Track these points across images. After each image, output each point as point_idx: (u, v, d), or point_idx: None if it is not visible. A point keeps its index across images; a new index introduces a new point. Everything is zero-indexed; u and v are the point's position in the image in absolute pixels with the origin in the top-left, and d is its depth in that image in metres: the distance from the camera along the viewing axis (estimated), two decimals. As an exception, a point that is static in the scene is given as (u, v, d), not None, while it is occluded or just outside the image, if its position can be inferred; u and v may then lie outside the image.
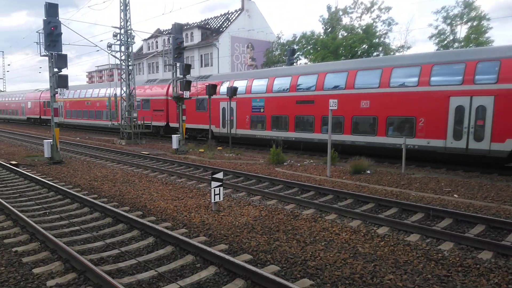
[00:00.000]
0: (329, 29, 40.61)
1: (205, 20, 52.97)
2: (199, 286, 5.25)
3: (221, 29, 47.10)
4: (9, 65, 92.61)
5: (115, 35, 25.04)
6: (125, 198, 10.24)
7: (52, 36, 15.42)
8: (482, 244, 6.63)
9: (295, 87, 19.76)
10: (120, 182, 12.40)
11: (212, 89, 20.71)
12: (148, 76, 53.09)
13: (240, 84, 22.39)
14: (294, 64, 33.81)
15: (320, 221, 8.15)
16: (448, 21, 35.52)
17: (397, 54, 37.15)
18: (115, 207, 8.92)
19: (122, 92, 26.20)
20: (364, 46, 38.25)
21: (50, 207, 9.27)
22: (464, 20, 34.81)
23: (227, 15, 49.52)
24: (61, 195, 10.34)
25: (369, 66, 17.70)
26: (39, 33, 15.88)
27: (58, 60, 15.45)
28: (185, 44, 23.94)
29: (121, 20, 25.17)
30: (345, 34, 39.20)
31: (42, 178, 12.39)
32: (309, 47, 41.53)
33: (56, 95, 16.31)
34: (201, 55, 46.99)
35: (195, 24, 51.46)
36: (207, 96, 21.10)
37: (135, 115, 26.15)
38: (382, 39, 39.05)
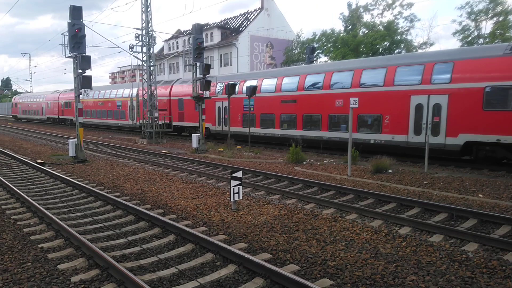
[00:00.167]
0: (350, 27, 40.19)
1: (224, 20, 53.22)
2: (219, 284, 5.29)
3: (240, 29, 47.22)
4: (35, 67, 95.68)
5: (136, 36, 25.45)
6: (147, 196, 10.40)
7: (76, 38, 15.79)
8: (508, 246, 6.43)
9: (280, 87, 21.14)
10: (142, 180, 12.60)
11: (231, 88, 20.96)
12: (169, 77, 53.73)
13: (249, 85, 23.08)
14: (314, 62, 33.60)
15: (341, 220, 8.08)
16: (473, 16, 34.61)
17: (419, 51, 36.44)
18: (137, 205, 9.06)
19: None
20: (385, 43, 37.68)
21: (75, 205, 9.51)
22: (490, 15, 33.85)
23: (246, 15, 49.60)
24: (85, 193, 10.59)
25: (343, 68, 19.03)
26: (64, 35, 16.31)
27: (82, 62, 15.80)
28: (205, 44, 24.10)
29: (143, 22, 25.56)
30: (366, 31, 38.71)
31: (67, 176, 12.70)
32: (329, 45, 41.18)
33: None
34: (221, 55, 47.23)
35: (215, 24, 51.75)
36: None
37: (156, 114, 26.52)
38: (404, 36, 38.38)
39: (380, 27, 37.80)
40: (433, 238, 6.97)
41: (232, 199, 8.92)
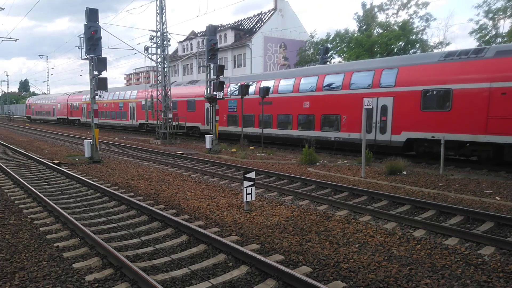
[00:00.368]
0: (364, 27, 39.85)
1: (238, 21, 53.36)
2: (231, 285, 5.29)
3: (254, 30, 47.27)
4: (52, 68, 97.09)
5: (151, 38, 25.70)
6: (160, 196, 10.48)
7: (92, 40, 16.02)
8: (526, 250, 6.31)
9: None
10: (156, 181, 12.70)
11: (245, 89, 21.05)
12: (183, 78, 54.11)
13: (233, 88, 25.44)
14: (328, 62, 33.45)
15: (354, 222, 8.02)
16: (490, 15, 33.95)
17: (435, 50, 35.93)
18: (151, 205, 9.14)
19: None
20: (400, 43, 37.26)
21: (90, 205, 9.64)
22: (508, 14, 33.15)
23: (260, 16, 49.64)
24: (100, 193, 10.73)
25: (310, 73, 21.15)
26: (80, 37, 16.54)
27: (98, 63, 16.02)
28: (218, 45, 24.23)
29: (157, 24, 25.80)
30: (381, 31, 38.33)
31: (82, 176, 12.90)
32: (343, 46, 40.91)
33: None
34: (234, 56, 47.36)
35: (229, 25, 51.92)
36: (194, 99, 27.02)
37: (170, 115, 26.73)
38: (419, 35, 37.88)
39: (395, 27, 37.38)
40: (448, 241, 6.86)
41: (244, 200, 8.92)
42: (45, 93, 70.84)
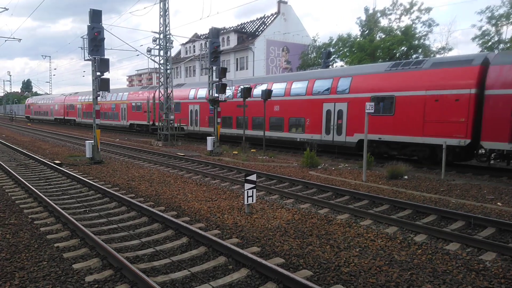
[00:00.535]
0: (367, 31, 39.85)
1: (241, 24, 53.48)
2: (231, 288, 5.28)
3: (257, 33, 47.36)
4: (55, 69, 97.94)
5: (154, 40, 25.77)
6: (161, 198, 10.48)
7: (95, 41, 16.06)
8: (528, 256, 6.30)
9: (236, 94, 24.80)
10: (156, 182, 12.70)
11: (247, 92, 21.11)
12: (186, 80, 54.19)
13: (202, 92, 28.03)
14: (330, 66, 33.47)
15: (355, 226, 7.99)
16: (493, 21, 33.91)
17: (437, 56, 35.94)
18: (151, 207, 9.14)
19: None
20: (403, 48, 37.24)
21: (90, 205, 9.63)
22: (511, 20, 33.12)
23: (263, 19, 49.76)
24: (101, 194, 10.72)
25: (280, 80, 23.39)
26: (84, 38, 16.59)
27: (101, 64, 16.06)
28: (221, 48, 24.31)
29: (161, 25, 25.88)
30: (383, 36, 38.33)
31: (83, 177, 12.90)
32: (345, 50, 40.91)
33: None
34: (237, 59, 47.43)
35: (232, 28, 52.03)
36: (180, 101, 28.94)
37: (172, 117, 26.76)
38: (422, 41, 37.86)
39: (398, 32, 37.37)
40: (450, 246, 6.83)
41: (245, 203, 8.91)
42: (48, 93, 71.11)
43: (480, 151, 15.01)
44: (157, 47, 25.98)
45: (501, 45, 33.45)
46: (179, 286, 5.31)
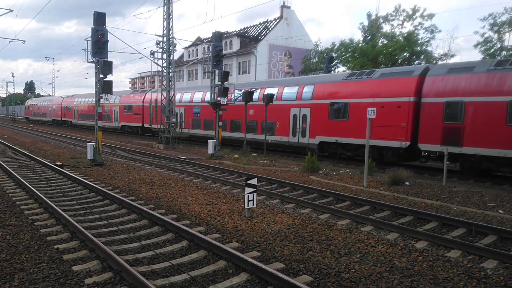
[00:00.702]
0: (369, 37, 39.90)
1: (244, 28, 53.64)
2: (231, 292, 5.25)
3: (259, 37, 47.48)
4: (58, 71, 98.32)
5: (157, 43, 25.82)
6: (161, 201, 10.47)
7: (99, 44, 16.11)
8: (529, 264, 6.29)
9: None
10: (157, 185, 12.69)
11: (249, 96, 21.14)
12: (188, 83, 54.31)
13: (186, 96, 30.64)
14: (332, 71, 33.52)
15: (356, 232, 7.97)
16: (496, 28, 33.94)
17: (440, 62, 35.96)
18: (152, 210, 9.12)
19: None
20: (405, 54, 37.28)
21: (91, 207, 9.63)
22: (514, 28, 33.12)
23: (266, 24, 49.90)
24: (101, 196, 10.72)
25: (255, 87, 25.12)
26: (87, 40, 16.64)
27: (104, 67, 16.10)
28: (224, 52, 24.37)
29: (164, 29, 25.95)
30: (385, 41, 38.38)
31: (84, 179, 12.90)
32: (347, 55, 40.96)
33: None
34: (239, 63, 47.53)
35: (235, 32, 52.18)
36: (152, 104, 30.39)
37: (174, 120, 26.79)
38: (424, 47, 37.89)
39: (400, 38, 37.41)
40: (451, 254, 6.80)
41: (246, 207, 8.89)
42: (50, 95, 71.43)
43: (423, 152, 16.66)
44: (160, 50, 26.04)
45: (504, 52, 33.46)
46: (179, 289, 5.29)
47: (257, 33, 49.27)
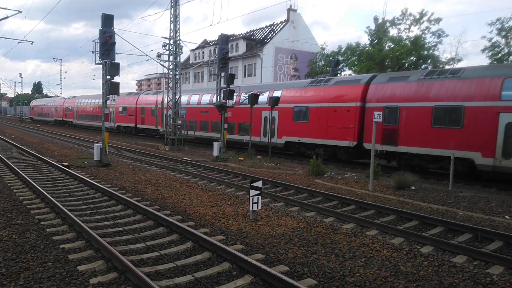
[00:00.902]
0: (375, 40, 39.81)
1: (250, 31, 53.76)
2: (235, 294, 5.25)
3: (265, 40, 47.56)
4: (66, 72, 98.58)
5: (164, 45, 25.93)
6: (167, 202, 10.50)
7: (106, 45, 16.21)
8: (536, 271, 6.25)
9: (200, 101, 29.07)
10: (163, 186, 12.73)
11: (254, 98, 21.16)
12: (194, 85, 54.48)
13: (184, 99, 31.13)
14: (338, 75, 33.50)
15: (361, 236, 7.94)
16: (503, 33, 33.75)
17: (446, 67, 35.81)
18: (157, 211, 9.15)
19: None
20: (412, 58, 37.15)
21: (97, 208, 9.68)
22: (521, 33, 32.90)
23: (272, 27, 49.98)
24: (107, 197, 10.77)
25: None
26: (95, 42, 16.76)
27: (111, 68, 16.19)
28: (230, 54, 24.44)
29: (171, 31, 26.08)
30: (392, 45, 38.27)
31: (90, 179, 12.97)
32: (354, 59, 40.88)
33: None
34: (245, 65, 47.62)
35: (241, 35, 52.31)
36: (158, 106, 31.36)
37: (179, 122, 26.88)
38: (431, 51, 37.74)
39: (407, 42, 37.29)
40: (456, 259, 6.75)
41: (251, 209, 8.90)
42: (58, 96, 72.07)
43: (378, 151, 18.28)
44: (167, 52, 26.16)
45: (511, 57, 33.26)
46: (183, 291, 5.30)
47: (263, 36, 49.36)
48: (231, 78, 21.28)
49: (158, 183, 13.33)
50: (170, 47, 26.09)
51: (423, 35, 37.45)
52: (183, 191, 12.09)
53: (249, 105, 21.90)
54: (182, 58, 33.25)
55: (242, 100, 25.20)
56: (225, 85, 21.42)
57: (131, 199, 10.14)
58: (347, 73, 42.48)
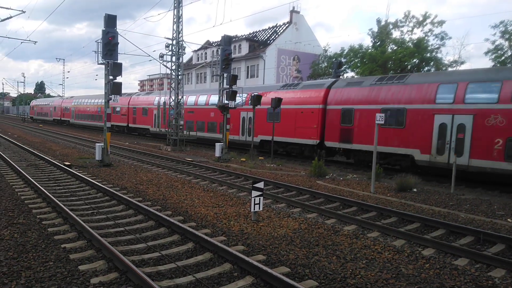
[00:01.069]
0: (378, 43, 39.78)
1: (253, 32, 53.81)
2: (235, 295, 5.24)
3: (268, 42, 47.58)
4: (68, 72, 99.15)
5: (167, 46, 25.96)
6: (168, 202, 10.50)
7: (109, 46, 16.25)
8: (538, 274, 6.24)
9: (186, 102, 29.75)
10: (164, 187, 12.74)
11: (256, 100, 21.12)
12: (196, 86, 54.52)
13: (163, 99, 32.76)
14: (341, 77, 33.49)
15: (362, 238, 7.92)
16: (506, 36, 33.69)
17: (449, 69, 35.75)
18: (158, 211, 9.16)
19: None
20: (414, 60, 37.10)
21: (98, 207, 9.69)
22: (525, 35, 32.82)
23: (275, 28, 50.02)
24: (109, 197, 10.78)
25: (206, 93, 30.15)
26: (98, 42, 16.79)
27: (114, 68, 16.22)
28: (232, 55, 24.49)
29: (174, 32, 26.12)
30: (395, 47, 38.24)
31: (92, 179, 12.99)
32: (356, 60, 40.86)
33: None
34: (248, 67, 47.65)
35: (244, 36, 52.36)
36: (147, 106, 35.35)
37: (181, 122, 26.90)
38: (434, 53, 37.69)
39: (410, 44, 37.26)
40: (458, 262, 6.73)
41: (252, 210, 8.89)
42: (60, 96, 72.32)
43: (337, 149, 20.44)
44: (170, 53, 26.20)
45: (514, 60, 33.16)
46: (184, 291, 5.29)
47: (266, 38, 49.39)
48: (233, 79, 21.29)
49: (160, 183, 13.33)
50: (173, 48, 26.13)
51: (426, 38, 37.43)
52: (185, 191, 12.10)
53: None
54: (185, 58, 33.55)
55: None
56: (228, 86, 21.42)
57: (133, 199, 10.14)
58: (349, 75, 42.49)
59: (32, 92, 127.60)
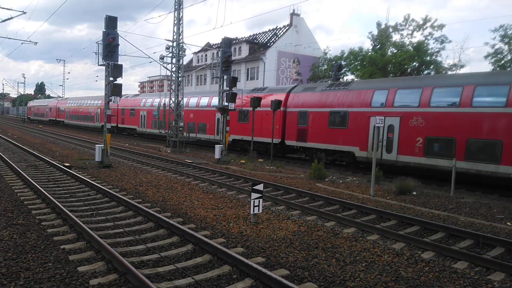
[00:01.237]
0: (378, 46, 39.84)
1: (253, 35, 53.88)
2: (235, 297, 5.24)
3: (268, 44, 47.65)
4: (69, 73, 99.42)
5: (167, 48, 26.03)
6: (167, 204, 10.49)
7: (109, 47, 16.27)
8: (537, 278, 6.25)
9: (188, 104, 30.79)
10: (164, 188, 12.73)
11: (256, 101, 21.14)
12: (196, 88, 54.57)
13: (149, 101, 36.18)
14: (340, 79, 33.54)
15: (361, 241, 7.92)
16: (506, 40, 33.75)
17: (449, 72, 35.81)
18: (158, 213, 9.15)
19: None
20: (414, 63, 37.15)
21: (97, 209, 9.68)
22: (524, 39, 32.87)
23: (275, 31, 50.10)
24: (108, 198, 10.78)
25: (196, 95, 31.82)
26: (98, 44, 16.81)
27: (114, 70, 16.25)
28: (233, 57, 24.53)
29: (174, 34, 26.18)
30: (395, 51, 38.29)
31: (91, 180, 12.98)
32: (356, 63, 40.91)
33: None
34: (248, 69, 47.70)
35: (244, 38, 52.43)
36: (134, 108, 37.83)
37: (181, 124, 26.91)
38: (434, 57, 37.74)
39: (410, 48, 37.31)
40: (458, 265, 6.73)
41: (252, 212, 8.88)
42: (60, 97, 72.35)
43: (297, 146, 22.56)
44: (170, 54, 26.25)
45: (514, 64, 33.20)
46: (183, 293, 5.29)
47: (266, 40, 49.46)
48: (233, 81, 21.30)
49: (159, 185, 13.33)
50: (173, 50, 26.18)
51: (426, 41, 37.48)
52: (184, 193, 12.09)
53: (207, 108, 27.73)
54: (185, 60, 33.62)
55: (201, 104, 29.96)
56: (228, 88, 21.44)
57: (132, 201, 10.14)
58: (349, 77, 42.52)
59: (32, 93, 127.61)
